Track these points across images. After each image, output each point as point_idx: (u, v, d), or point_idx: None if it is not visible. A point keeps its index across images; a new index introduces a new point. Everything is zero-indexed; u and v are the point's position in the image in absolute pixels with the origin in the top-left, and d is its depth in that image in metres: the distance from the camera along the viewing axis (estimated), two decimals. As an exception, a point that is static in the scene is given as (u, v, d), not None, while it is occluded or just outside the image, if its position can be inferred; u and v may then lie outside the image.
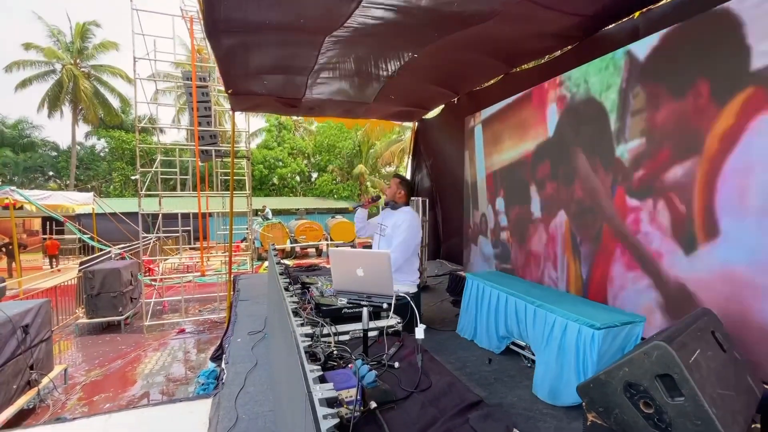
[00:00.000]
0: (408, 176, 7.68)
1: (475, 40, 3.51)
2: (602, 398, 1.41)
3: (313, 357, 1.32)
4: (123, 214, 11.49)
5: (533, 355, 3.05)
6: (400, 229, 2.76)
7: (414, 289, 2.86)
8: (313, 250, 14.23)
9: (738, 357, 1.55)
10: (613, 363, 1.41)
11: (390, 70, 4.39)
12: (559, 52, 4.04)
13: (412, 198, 6.07)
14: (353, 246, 13.23)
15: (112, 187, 24.99)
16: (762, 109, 2.02)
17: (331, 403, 0.96)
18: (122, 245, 10.00)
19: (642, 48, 2.79)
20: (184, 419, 2.36)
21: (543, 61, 4.25)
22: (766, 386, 1.74)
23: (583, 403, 1.48)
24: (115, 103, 24.17)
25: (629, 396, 1.34)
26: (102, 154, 26.05)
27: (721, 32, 2.24)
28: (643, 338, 2.54)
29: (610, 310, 2.81)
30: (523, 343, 3.24)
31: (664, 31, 2.63)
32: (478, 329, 3.72)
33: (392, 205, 3.01)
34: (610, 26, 3.44)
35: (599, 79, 3.16)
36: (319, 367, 1.13)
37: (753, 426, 1.42)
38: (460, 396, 1.37)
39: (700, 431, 1.19)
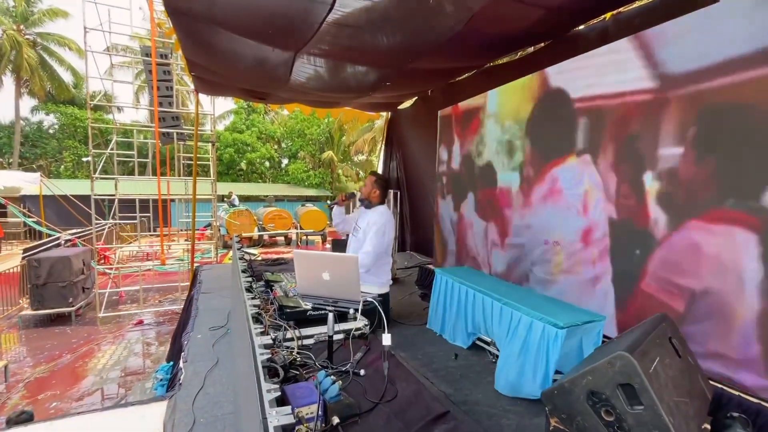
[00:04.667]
0: (381, 166, 7.60)
1: (449, 48, 3.41)
2: (565, 405, 1.42)
3: (272, 372, 1.24)
4: (75, 197, 10.70)
5: (498, 350, 3.10)
6: (371, 233, 2.71)
7: (385, 289, 2.83)
8: (282, 238, 13.92)
9: (691, 362, 1.61)
10: (577, 371, 1.43)
11: (368, 82, 4.25)
12: (532, 49, 4.05)
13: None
14: (323, 236, 13.06)
15: (63, 167, 23.17)
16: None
17: (287, 430, 0.90)
18: (74, 231, 9.34)
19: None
20: (136, 425, 2.21)
21: (516, 57, 4.25)
22: (714, 384, 1.84)
23: (546, 409, 1.49)
24: (66, 76, 22.24)
25: (591, 404, 1.36)
26: (51, 131, 23.97)
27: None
28: (605, 336, 2.64)
29: (571, 309, 2.88)
30: (488, 339, 3.29)
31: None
32: (446, 324, 3.74)
33: (366, 204, 2.95)
34: (581, 27, 3.47)
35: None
36: (278, 386, 1.05)
37: (703, 427, 1.49)
38: (427, 407, 1.33)
39: (656, 439, 1.22)
